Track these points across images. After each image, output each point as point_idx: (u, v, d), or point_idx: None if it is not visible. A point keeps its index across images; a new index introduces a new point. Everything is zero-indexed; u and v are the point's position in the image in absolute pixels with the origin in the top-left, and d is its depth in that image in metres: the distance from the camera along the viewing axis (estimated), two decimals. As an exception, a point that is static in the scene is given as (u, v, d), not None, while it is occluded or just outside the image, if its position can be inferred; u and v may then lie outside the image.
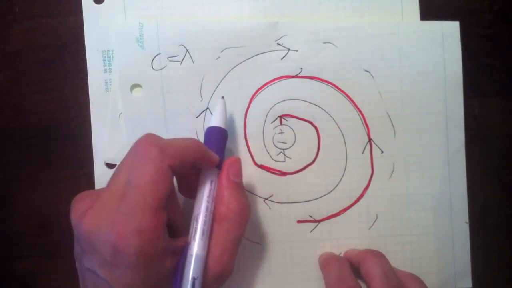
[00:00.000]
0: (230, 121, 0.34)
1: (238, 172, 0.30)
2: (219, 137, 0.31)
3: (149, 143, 0.27)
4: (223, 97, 0.33)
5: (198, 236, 0.28)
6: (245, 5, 0.34)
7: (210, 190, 0.29)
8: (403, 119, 0.34)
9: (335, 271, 0.32)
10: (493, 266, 0.36)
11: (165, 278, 0.27)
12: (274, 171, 0.35)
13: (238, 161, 0.31)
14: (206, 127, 0.32)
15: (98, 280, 0.26)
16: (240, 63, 0.34)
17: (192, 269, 0.27)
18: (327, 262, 0.33)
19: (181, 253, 0.28)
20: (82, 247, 0.27)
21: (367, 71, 0.34)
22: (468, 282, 0.35)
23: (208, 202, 0.29)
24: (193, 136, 0.35)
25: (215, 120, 0.32)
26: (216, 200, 0.30)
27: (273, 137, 0.35)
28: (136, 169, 0.26)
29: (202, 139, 0.35)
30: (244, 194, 0.30)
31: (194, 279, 0.27)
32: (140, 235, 0.25)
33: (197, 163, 0.29)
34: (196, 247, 0.28)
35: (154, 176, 0.26)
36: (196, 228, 0.28)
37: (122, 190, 0.26)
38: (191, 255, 0.28)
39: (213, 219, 0.29)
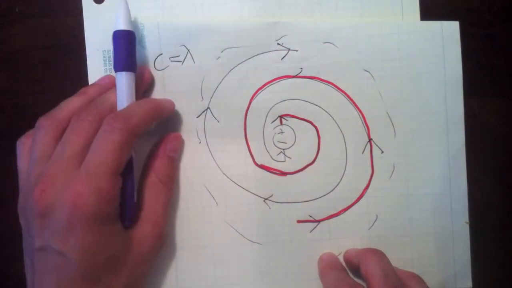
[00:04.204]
0: (227, 117, 0.34)
1: (175, 148, 0.34)
2: (127, 41, 0.31)
3: (114, 116, 0.29)
4: None
5: None
6: (245, 5, 0.34)
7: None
8: (403, 119, 0.34)
9: (333, 275, 0.32)
10: (493, 266, 0.36)
11: (115, 239, 0.29)
12: (274, 171, 0.35)
13: (178, 138, 0.34)
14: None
15: (50, 258, 0.27)
16: (241, 63, 0.34)
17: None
18: (325, 271, 0.33)
19: None
20: (35, 225, 0.28)
21: (367, 71, 0.34)
22: (468, 282, 0.35)
23: None
24: (194, 135, 0.35)
25: (120, 22, 0.31)
26: (148, 168, 0.33)
27: (273, 137, 0.35)
28: (103, 137, 0.28)
29: (203, 139, 0.35)
30: (175, 169, 0.34)
31: None
32: (98, 195, 0.27)
33: (156, 120, 0.32)
34: None
35: (120, 144, 0.28)
36: None
37: (81, 154, 0.28)
38: None
39: (144, 186, 0.32)
